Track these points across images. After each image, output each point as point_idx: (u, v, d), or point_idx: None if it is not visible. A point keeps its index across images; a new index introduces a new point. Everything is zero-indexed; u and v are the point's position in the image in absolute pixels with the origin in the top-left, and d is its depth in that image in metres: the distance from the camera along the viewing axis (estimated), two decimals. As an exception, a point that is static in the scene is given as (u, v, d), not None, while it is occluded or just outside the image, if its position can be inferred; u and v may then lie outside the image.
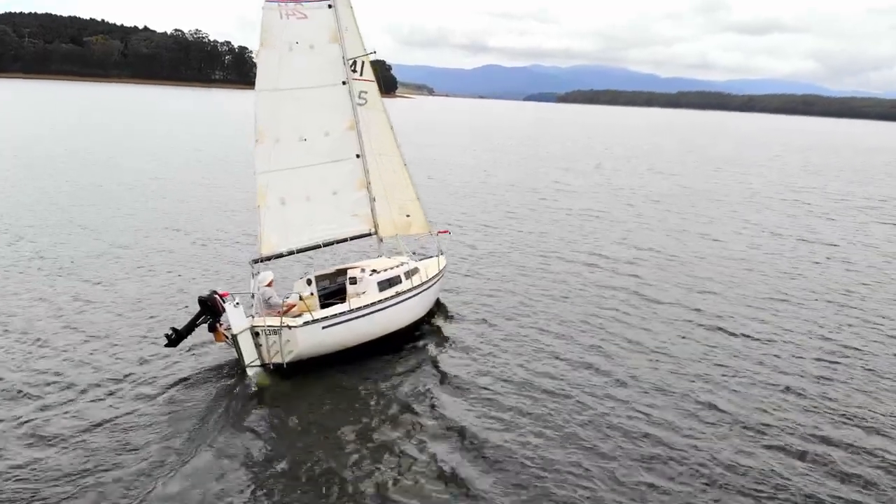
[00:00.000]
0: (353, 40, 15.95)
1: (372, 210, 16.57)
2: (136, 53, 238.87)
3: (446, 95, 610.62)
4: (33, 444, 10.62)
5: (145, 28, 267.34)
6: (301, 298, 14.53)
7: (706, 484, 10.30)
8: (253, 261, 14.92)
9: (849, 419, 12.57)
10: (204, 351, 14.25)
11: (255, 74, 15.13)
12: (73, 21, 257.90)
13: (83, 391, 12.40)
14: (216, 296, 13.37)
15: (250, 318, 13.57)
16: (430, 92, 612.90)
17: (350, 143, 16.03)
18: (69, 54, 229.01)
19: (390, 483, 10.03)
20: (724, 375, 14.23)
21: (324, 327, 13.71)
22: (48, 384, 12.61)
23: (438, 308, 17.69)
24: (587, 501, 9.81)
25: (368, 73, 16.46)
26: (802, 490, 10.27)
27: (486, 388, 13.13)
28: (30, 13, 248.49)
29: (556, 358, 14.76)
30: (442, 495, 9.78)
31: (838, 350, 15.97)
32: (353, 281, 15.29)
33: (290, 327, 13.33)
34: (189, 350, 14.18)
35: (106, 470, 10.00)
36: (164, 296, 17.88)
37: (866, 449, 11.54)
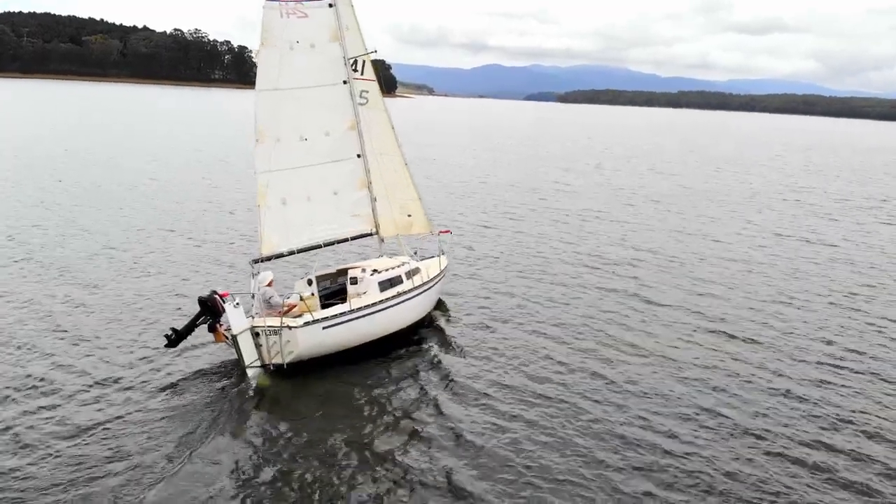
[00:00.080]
0: (354, 39, 15.88)
1: (373, 210, 16.50)
2: (135, 53, 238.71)
3: (446, 95, 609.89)
4: (19, 451, 10.41)
5: (144, 27, 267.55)
6: (301, 299, 14.46)
7: (705, 491, 10.15)
8: (253, 261, 14.86)
9: (851, 425, 12.40)
10: (204, 351, 14.19)
11: (254, 74, 15.09)
12: (72, 20, 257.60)
13: (83, 391, 12.33)
14: (216, 296, 13.33)
15: (250, 318, 13.51)
16: (430, 91, 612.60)
17: (351, 142, 15.97)
18: (68, 54, 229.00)
19: (388, 487, 9.95)
20: (724, 379, 14.11)
21: (324, 328, 13.66)
22: (33, 387, 12.48)
23: (439, 308, 17.62)
24: (585, 508, 9.67)
25: (369, 72, 16.39)
26: (804, 498, 10.12)
27: (485, 393, 13.04)
28: (28, 12, 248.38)
29: (555, 361, 14.67)
30: (439, 500, 9.70)
31: (841, 354, 15.83)
32: (354, 281, 15.23)
33: (290, 328, 13.27)
34: (189, 350, 14.12)
35: (98, 477, 9.86)
36: (164, 296, 17.81)
37: (869, 455, 11.36)
